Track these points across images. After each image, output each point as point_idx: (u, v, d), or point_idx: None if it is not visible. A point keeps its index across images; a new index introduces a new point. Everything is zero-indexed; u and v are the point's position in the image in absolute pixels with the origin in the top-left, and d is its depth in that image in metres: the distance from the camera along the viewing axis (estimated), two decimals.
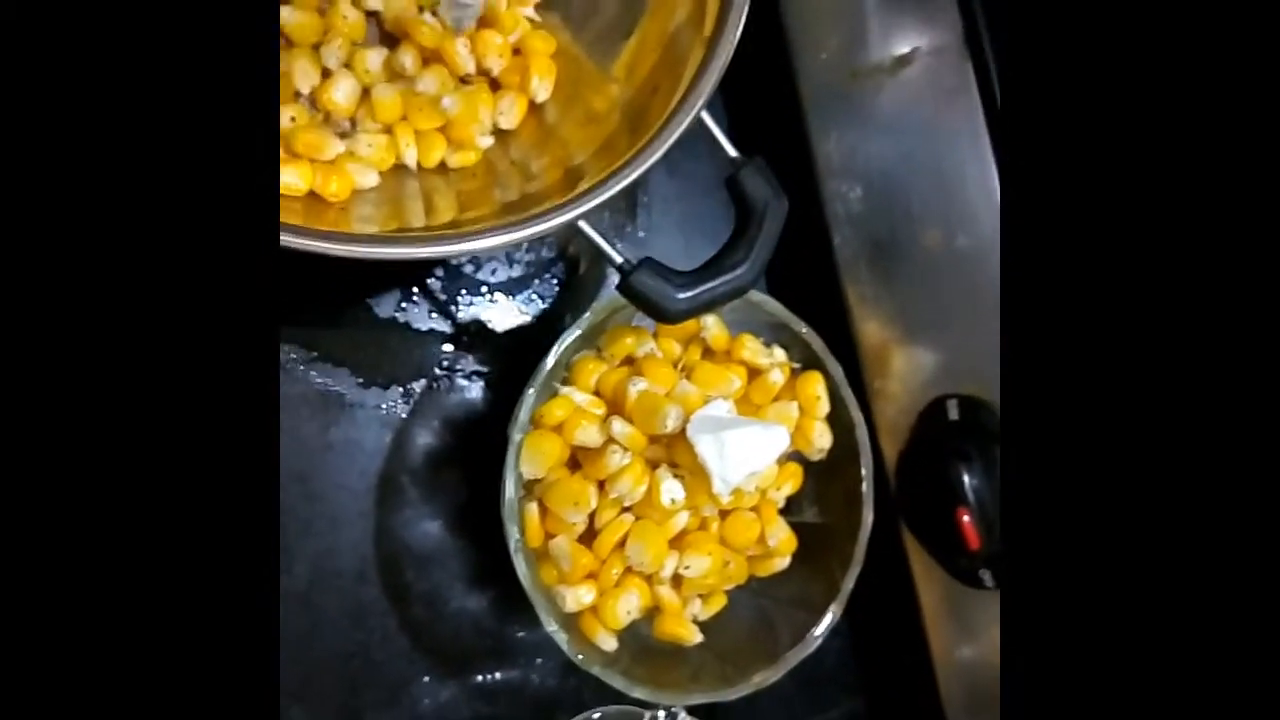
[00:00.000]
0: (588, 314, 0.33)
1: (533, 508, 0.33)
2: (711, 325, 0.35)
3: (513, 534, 0.32)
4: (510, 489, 0.33)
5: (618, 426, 0.33)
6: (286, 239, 0.26)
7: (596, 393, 0.34)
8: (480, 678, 0.38)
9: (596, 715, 0.32)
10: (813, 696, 0.42)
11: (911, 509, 0.39)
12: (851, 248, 0.40)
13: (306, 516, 0.35)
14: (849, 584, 0.35)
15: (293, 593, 0.34)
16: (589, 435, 0.33)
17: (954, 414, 0.38)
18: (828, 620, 0.35)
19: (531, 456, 0.33)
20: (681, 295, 0.31)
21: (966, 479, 0.36)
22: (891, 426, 0.41)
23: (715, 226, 0.40)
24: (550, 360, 0.33)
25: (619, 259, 0.31)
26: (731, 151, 0.33)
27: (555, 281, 0.39)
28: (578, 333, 0.33)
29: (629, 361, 0.35)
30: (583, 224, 0.30)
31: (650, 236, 0.40)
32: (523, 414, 0.33)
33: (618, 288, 0.31)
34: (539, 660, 0.39)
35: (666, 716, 0.32)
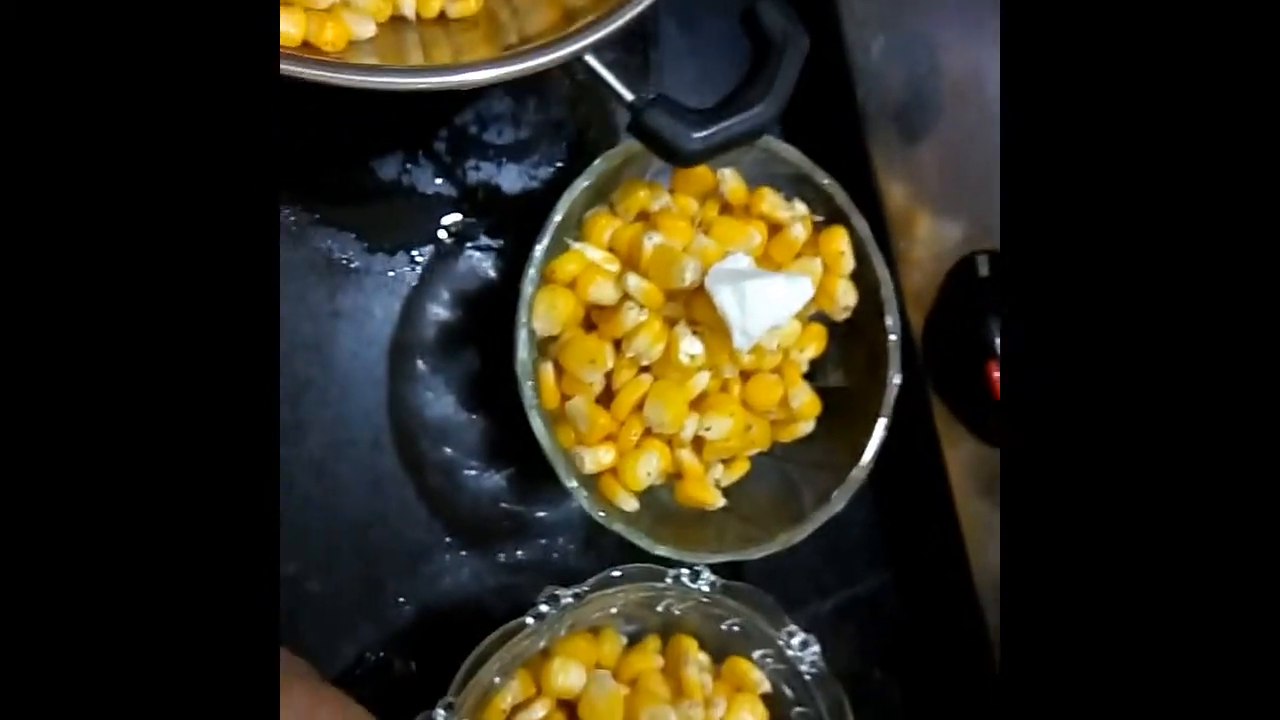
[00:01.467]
0: (598, 161, 0.32)
1: (548, 368, 0.32)
2: (729, 178, 0.34)
3: (527, 391, 0.31)
4: (523, 346, 0.31)
5: (633, 282, 0.32)
6: (283, 65, 0.25)
7: (610, 249, 0.33)
8: (501, 556, 0.37)
9: (616, 573, 0.31)
10: (840, 570, 0.42)
11: (940, 371, 0.38)
12: (875, 102, 0.38)
13: (321, 384, 0.34)
14: (875, 445, 0.34)
15: (308, 460, 0.33)
16: (603, 292, 0.32)
17: (984, 270, 0.37)
18: (853, 480, 0.34)
19: (544, 312, 0.31)
20: (696, 134, 0.29)
21: (998, 332, 0.35)
22: (917, 293, 0.39)
23: (732, 84, 0.38)
24: (559, 212, 0.31)
25: (629, 96, 0.29)
26: None
27: (565, 144, 0.37)
28: (587, 183, 0.32)
29: (643, 217, 0.34)
30: (589, 58, 0.29)
31: None
32: (532, 269, 0.31)
33: (628, 127, 0.29)
34: (560, 539, 0.38)
35: (690, 575, 0.31)
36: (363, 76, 0.26)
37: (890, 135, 0.39)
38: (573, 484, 0.31)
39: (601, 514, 0.32)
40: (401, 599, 0.35)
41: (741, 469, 0.36)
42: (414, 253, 0.35)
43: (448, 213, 0.36)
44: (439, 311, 0.36)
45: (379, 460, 0.35)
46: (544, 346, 0.33)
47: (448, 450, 0.36)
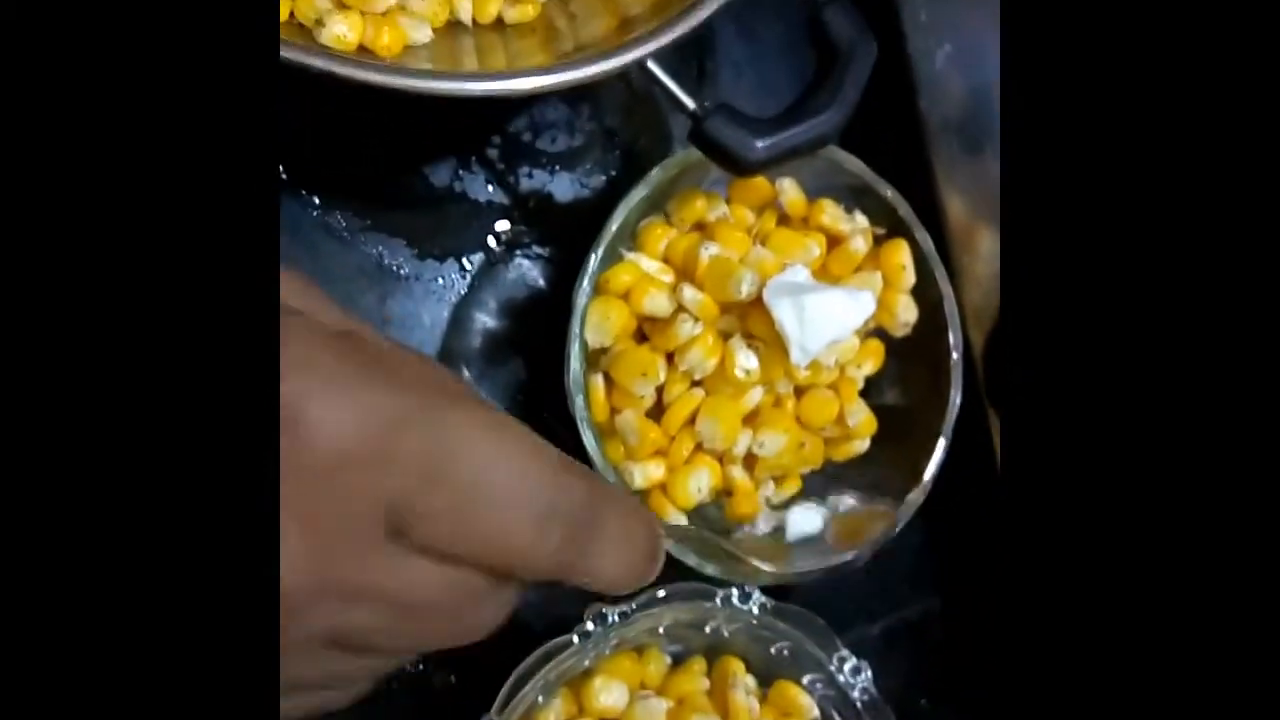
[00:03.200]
0: (655, 170, 0.31)
1: (598, 379, 0.32)
2: (788, 189, 0.33)
3: (579, 405, 0.31)
4: (575, 358, 0.31)
5: (688, 293, 0.31)
6: (335, 69, 0.25)
7: (665, 260, 0.32)
8: None
9: (663, 592, 0.30)
10: (888, 594, 0.40)
11: (1001, 390, 0.37)
12: (938, 112, 0.37)
13: None
14: (934, 467, 0.33)
15: None
16: (657, 303, 0.31)
17: None
18: (910, 502, 0.33)
19: (597, 323, 0.31)
20: (760, 143, 0.28)
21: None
22: (977, 311, 0.38)
23: (791, 94, 0.37)
24: (615, 221, 0.31)
25: (691, 104, 0.28)
26: None
27: (618, 152, 0.37)
28: (644, 192, 0.31)
29: (699, 228, 0.33)
30: (651, 64, 0.28)
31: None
32: (586, 279, 0.31)
33: (690, 136, 0.29)
34: None
35: (740, 595, 0.30)
36: (417, 81, 0.26)
37: (952, 146, 0.38)
38: None
39: None
40: None
41: (793, 487, 0.35)
42: (464, 260, 0.35)
43: (499, 220, 0.35)
44: (488, 320, 0.35)
45: None
46: (594, 358, 0.32)
47: None
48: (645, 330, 0.32)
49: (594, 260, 0.31)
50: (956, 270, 0.38)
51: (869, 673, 0.32)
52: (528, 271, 0.36)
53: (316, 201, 0.34)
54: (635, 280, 0.31)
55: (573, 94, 0.36)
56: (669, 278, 0.32)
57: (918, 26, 0.36)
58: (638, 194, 0.31)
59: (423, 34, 0.32)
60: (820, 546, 0.32)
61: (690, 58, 0.38)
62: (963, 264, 0.38)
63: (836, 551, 0.32)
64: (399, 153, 0.34)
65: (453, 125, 0.35)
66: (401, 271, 0.34)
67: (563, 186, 0.36)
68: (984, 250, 0.39)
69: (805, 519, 0.33)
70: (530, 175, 0.36)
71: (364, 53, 0.31)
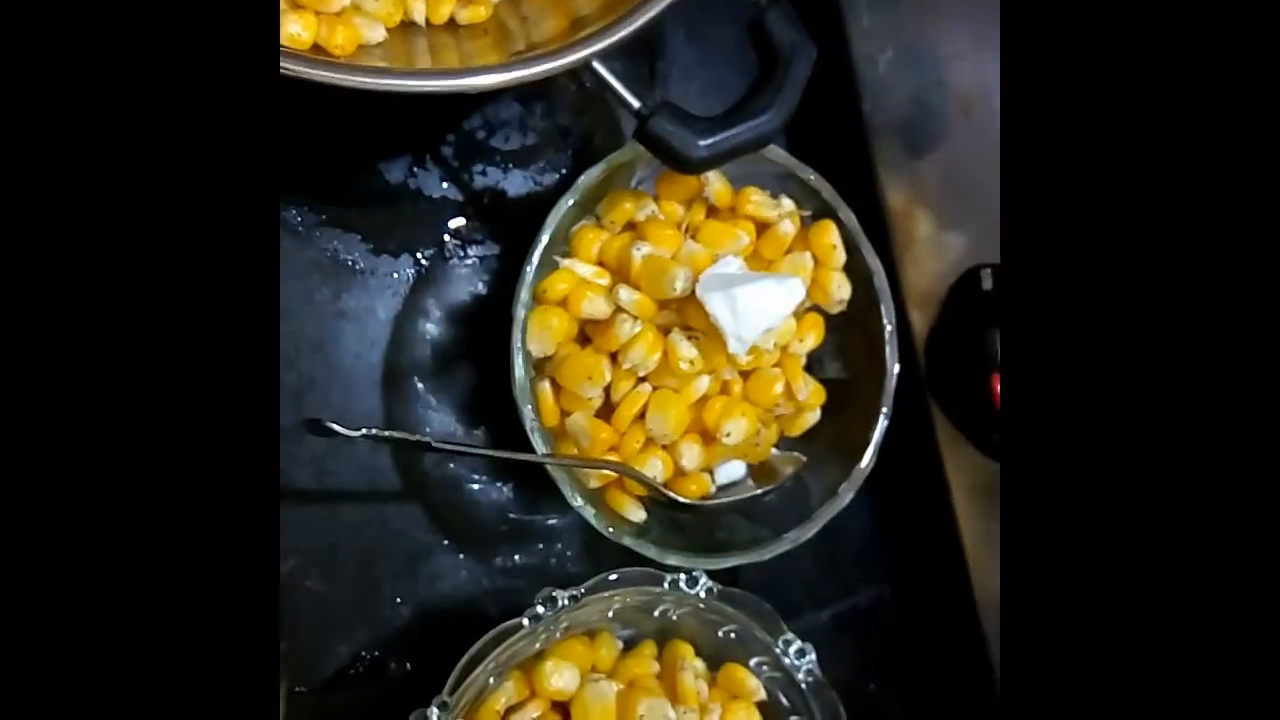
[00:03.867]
0: (583, 177, 0.32)
1: (545, 386, 0.32)
2: (714, 180, 0.34)
3: (527, 414, 0.32)
4: (520, 369, 0.32)
5: (625, 294, 0.32)
6: (290, 66, 0.25)
7: (600, 263, 0.33)
8: (499, 559, 0.37)
9: (613, 576, 0.31)
10: (837, 581, 0.41)
11: (942, 384, 0.38)
12: (881, 114, 0.38)
13: (324, 384, 0.34)
14: (878, 436, 0.34)
15: (308, 458, 0.34)
16: (596, 306, 0.32)
17: (988, 283, 0.37)
18: (858, 473, 0.34)
19: (538, 333, 0.32)
20: (703, 141, 0.29)
21: (1002, 344, 0.35)
22: (920, 297, 0.39)
23: (740, 95, 0.38)
24: (546, 233, 0.32)
25: (636, 103, 0.29)
26: None
27: (570, 150, 0.38)
28: (571, 201, 0.32)
29: (630, 227, 0.34)
30: (597, 64, 0.29)
31: None
32: (524, 291, 0.32)
33: (635, 134, 0.30)
34: (559, 545, 0.38)
35: (688, 580, 0.31)
36: (370, 79, 0.27)
37: (895, 147, 0.39)
38: (578, 503, 0.31)
39: (610, 529, 0.32)
40: (398, 599, 0.35)
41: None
42: (418, 255, 0.36)
43: (453, 216, 0.36)
44: (442, 314, 0.36)
45: (378, 461, 0.35)
46: (540, 365, 0.33)
47: (449, 455, 0.36)
48: (587, 332, 0.33)
49: (530, 271, 0.31)
50: (898, 261, 0.39)
51: (813, 655, 0.33)
52: (482, 266, 0.37)
53: None
54: (572, 286, 0.32)
55: (526, 93, 0.37)
56: (605, 280, 0.33)
57: (862, 32, 0.38)
58: (566, 202, 0.32)
59: (377, 34, 0.32)
60: (739, 488, 0.36)
61: (641, 59, 0.39)
62: (904, 258, 0.39)
63: (752, 489, 0.36)
64: (354, 149, 0.35)
65: (408, 123, 0.36)
66: (357, 266, 0.35)
67: (516, 183, 0.37)
68: (925, 245, 0.40)
69: (731, 467, 0.36)
70: (484, 172, 0.36)
71: (318, 51, 0.31)
